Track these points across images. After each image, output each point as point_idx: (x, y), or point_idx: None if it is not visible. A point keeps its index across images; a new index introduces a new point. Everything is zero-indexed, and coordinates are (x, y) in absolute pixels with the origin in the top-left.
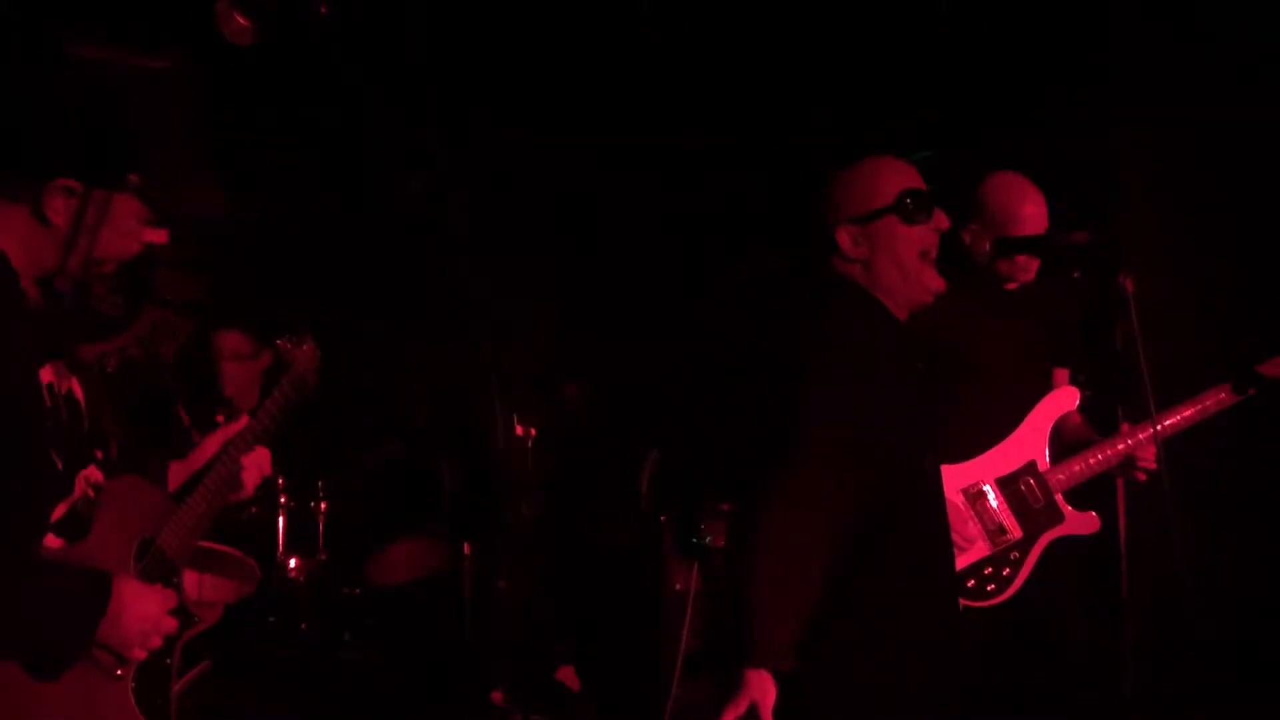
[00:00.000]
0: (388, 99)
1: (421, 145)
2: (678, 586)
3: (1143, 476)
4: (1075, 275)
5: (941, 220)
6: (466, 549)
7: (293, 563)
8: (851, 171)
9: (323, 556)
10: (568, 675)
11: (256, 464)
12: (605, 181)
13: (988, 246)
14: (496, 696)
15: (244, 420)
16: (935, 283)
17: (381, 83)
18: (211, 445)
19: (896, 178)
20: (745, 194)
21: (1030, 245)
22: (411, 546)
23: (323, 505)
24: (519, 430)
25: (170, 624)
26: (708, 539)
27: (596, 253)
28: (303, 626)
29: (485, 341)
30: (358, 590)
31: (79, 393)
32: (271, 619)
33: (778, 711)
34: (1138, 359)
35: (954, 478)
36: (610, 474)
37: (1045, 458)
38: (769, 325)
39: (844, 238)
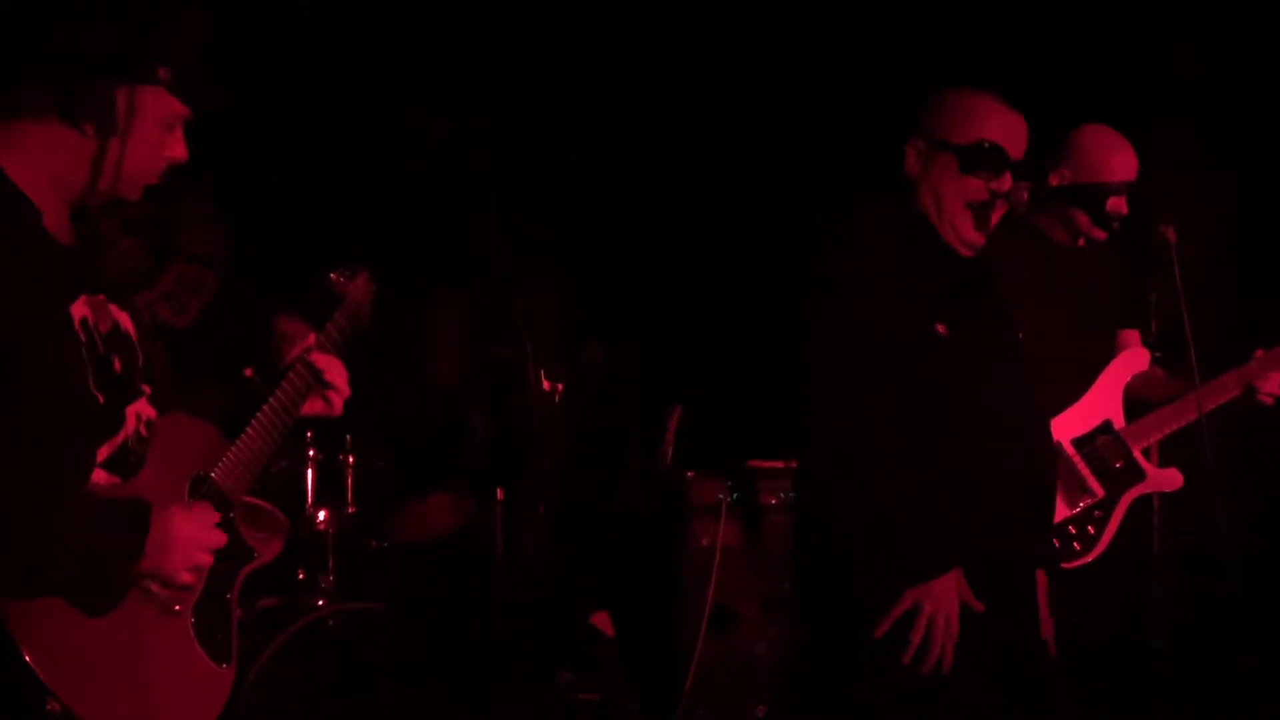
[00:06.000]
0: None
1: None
2: (704, 542)
3: (1269, 400)
4: (1115, 226)
5: (1005, 184)
6: (497, 502)
7: (321, 515)
8: (952, 93)
9: (351, 510)
10: (602, 621)
11: (338, 374)
12: (631, 137)
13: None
14: (563, 678)
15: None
16: (970, 235)
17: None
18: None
19: (988, 123)
20: (774, 151)
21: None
22: (440, 501)
23: (350, 458)
24: (546, 385)
25: (218, 538)
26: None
27: (621, 209)
28: (330, 579)
29: (516, 293)
30: (386, 544)
31: (129, 326)
32: (300, 572)
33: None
34: (1180, 311)
35: None
36: (633, 431)
37: (1121, 417)
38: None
39: (911, 152)
